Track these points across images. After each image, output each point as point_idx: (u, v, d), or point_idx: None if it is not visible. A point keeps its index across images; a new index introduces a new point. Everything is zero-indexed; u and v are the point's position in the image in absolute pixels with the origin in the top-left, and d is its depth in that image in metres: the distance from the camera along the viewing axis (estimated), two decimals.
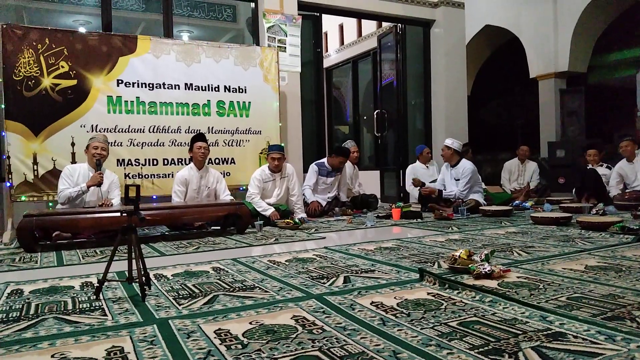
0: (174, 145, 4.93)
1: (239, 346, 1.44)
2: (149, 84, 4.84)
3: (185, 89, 5.01)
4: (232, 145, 5.23)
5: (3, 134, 4.27)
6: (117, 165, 4.63)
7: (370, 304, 1.85)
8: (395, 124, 7.43)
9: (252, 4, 5.93)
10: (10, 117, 4.26)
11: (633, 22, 8.08)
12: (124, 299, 2.05)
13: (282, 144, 5.27)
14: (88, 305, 1.96)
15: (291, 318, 1.70)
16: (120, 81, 4.71)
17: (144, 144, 4.81)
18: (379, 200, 6.51)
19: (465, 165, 5.44)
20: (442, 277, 2.17)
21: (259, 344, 1.45)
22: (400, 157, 7.35)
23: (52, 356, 1.41)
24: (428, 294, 1.98)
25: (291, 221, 4.44)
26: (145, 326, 1.66)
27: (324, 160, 5.58)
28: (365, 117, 9.95)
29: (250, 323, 1.65)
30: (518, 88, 9.62)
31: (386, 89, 7.68)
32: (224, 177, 4.83)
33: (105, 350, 1.44)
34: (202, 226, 4.49)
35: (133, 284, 2.16)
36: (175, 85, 4.96)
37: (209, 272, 2.57)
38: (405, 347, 1.39)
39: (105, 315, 1.82)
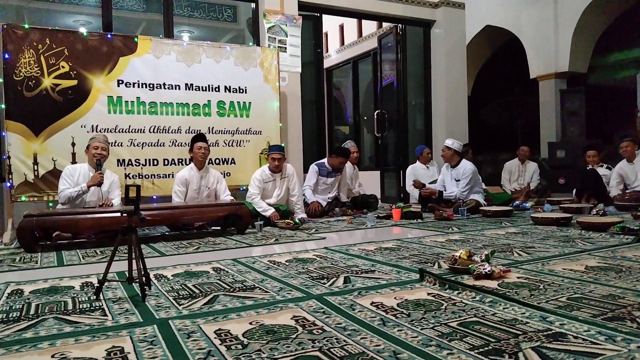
0: (174, 145, 4.93)
1: (239, 346, 1.44)
2: (149, 84, 4.84)
3: (186, 89, 5.01)
4: (232, 145, 5.24)
5: (3, 134, 4.28)
6: (118, 166, 4.64)
7: (371, 304, 1.85)
8: (395, 125, 7.43)
9: (253, 5, 5.93)
10: (11, 117, 4.26)
11: (633, 22, 8.08)
12: (124, 299, 2.05)
13: (283, 145, 5.27)
14: (88, 306, 1.96)
15: (291, 318, 1.70)
16: (120, 81, 4.71)
17: (144, 144, 4.81)
18: (379, 201, 6.51)
19: (466, 165, 5.44)
20: (443, 277, 2.17)
21: (259, 344, 1.45)
22: (401, 157, 7.35)
23: (52, 356, 1.41)
24: (428, 294, 1.98)
25: (291, 221, 4.44)
26: (145, 326, 1.66)
27: (324, 160, 5.58)
28: (365, 118, 9.96)
29: (251, 323, 1.65)
30: (518, 88, 9.62)
31: (386, 89, 7.68)
32: (224, 177, 4.83)
33: (106, 350, 1.44)
34: (202, 226, 4.49)
35: (133, 284, 2.16)
36: (175, 86, 4.96)
37: (209, 272, 2.57)
38: (406, 348, 1.39)
39: (106, 315, 1.82)
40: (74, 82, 4.51)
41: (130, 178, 4.70)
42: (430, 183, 5.97)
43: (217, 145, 5.11)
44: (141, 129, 4.79)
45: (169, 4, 5.52)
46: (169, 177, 4.86)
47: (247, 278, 2.40)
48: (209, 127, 5.08)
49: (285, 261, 2.83)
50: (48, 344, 1.50)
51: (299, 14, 5.94)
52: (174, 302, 1.98)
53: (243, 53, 5.31)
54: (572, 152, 7.54)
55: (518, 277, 2.23)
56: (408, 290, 2.05)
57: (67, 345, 1.49)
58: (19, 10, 5.59)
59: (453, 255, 2.42)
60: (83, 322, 1.74)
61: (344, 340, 1.46)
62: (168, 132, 4.91)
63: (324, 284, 2.22)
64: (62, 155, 4.43)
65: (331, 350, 1.39)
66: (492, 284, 2.10)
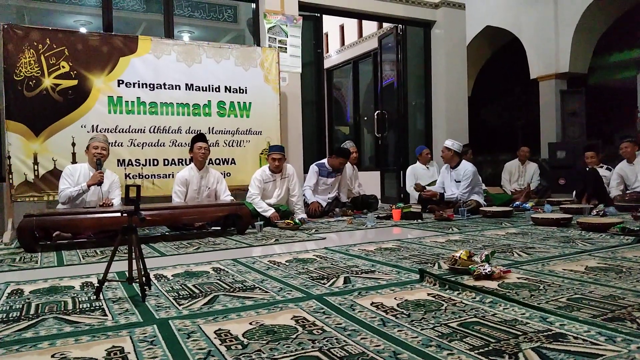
0: (175, 145, 4.93)
1: (239, 346, 1.44)
2: (149, 84, 4.84)
3: (186, 89, 5.01)
4: (232, 145, 5.24)
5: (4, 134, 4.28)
6: (118, 166, 4.63)
7: (371, 304, 1.85)
8: (395, 125, 7.43)
9: (253, 5, 5.94)
10: (11, 117, 4.26)
11: (634, 23, 8.08)
12: (124, 299, 2.05)
13: (283, 145, 5.27)
14: (88, 306, 1.96)
15: (291, 318, 1.70)
16: (121, 81, 4.71)
17: (145, 144, 4.81)
18: (379, 201, 6.50)
19: (466, 167, 5.43)
20: (443, 277, 2.17)
21: (259, 344, 1.45)
22: (401, 157, 7.34)
23: (52, 356, 1.41)
24: (428, 294, 1.98)
25: (291, 222, 4.44)
26: (145, 326, 1.66)
27: (324, 160, 5.58)
28: (365, 118, 9.96)
29: (251, 323, 1.65)
30: (518, 89, 9.62)
31: (387, 89, 7.68)
32: (224, 177, 4.83)
33: (106, 350, 1.44)
34: (203, 226, 4.49)
35: (133, 284, 2.16)
36: (175, 86, 4.96)
37: (209, 272, 2.57)
38: (406, 348, 1.39)
39: (106, 315, 1.82)
40: (74, 82, 4.51)
41: (130, 178, 4.70)
42: (429, 184, 5.97)
43: (218, 146, 5.11)
44: (141, 129, 4.79)
45: (169, 4, 5.52)
46: (169, 177, 4.86)
47: (247, 278, 2.40)
48: (209, 127, 5.08)
49: (285, 261, 2.83)
50: (48, 344, 1.50)
51: (299, 14, 5.94)
52: (174, 302, 1.97)
53: (243, 53, 5.31)
54: (573, 152, 7.55)
55: (518, 278, 2.22)
56: (408, 291, 2.05)
57: (67, 345, 1.49)
58: (19, 10, 5.59)
59: (453, 256, 2.42)
60: (83, 322, 1.74)
61: (344, 341, 1.46)
62: (168, 132, 4.91)
63: (324, 284, 2.22)
64: (62, 155, 4.43)
65: (331, 350, 1.39)
66: (492, 285, 2.10)
